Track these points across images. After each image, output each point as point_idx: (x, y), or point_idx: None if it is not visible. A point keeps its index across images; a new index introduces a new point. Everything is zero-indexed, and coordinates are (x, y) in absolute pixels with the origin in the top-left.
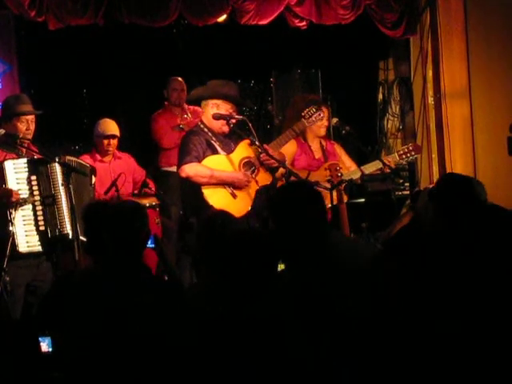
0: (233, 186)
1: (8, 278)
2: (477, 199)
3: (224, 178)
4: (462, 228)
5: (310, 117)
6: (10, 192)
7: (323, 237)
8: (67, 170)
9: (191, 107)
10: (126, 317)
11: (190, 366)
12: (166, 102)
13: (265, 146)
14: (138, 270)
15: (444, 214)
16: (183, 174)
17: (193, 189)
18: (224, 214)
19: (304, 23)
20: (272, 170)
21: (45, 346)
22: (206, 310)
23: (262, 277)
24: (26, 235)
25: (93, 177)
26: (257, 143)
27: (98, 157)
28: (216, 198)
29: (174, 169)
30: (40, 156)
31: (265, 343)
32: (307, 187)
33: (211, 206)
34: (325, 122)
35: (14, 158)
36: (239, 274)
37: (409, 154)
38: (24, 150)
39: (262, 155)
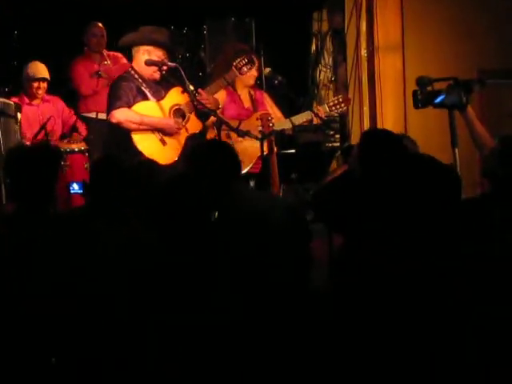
0: (163, 132)
1: None
2: (402, 151)
3: (154, 123)
4: (386, 177)
5: (242, 67)
6: None
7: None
8: None
9: (111, 53)
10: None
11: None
12: (85, 48)
13: (199, 89)
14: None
15: (370, 167)
16: (113, 120)
17: (122, 135)
18: (150, 163)
19: None
20: (202, 118)
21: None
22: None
23: (194, 223)
24: None
25: (18, 114)
26: (190, 88)
27: (27, 100)
28: (146, 144)
29: (92, 115)
30: None
31: (196, 292)
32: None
33: (140, 152)
34: (254, 73)
35: None
36: (170, 222)
37: (338, 106)
38: None
39: (197, 98)
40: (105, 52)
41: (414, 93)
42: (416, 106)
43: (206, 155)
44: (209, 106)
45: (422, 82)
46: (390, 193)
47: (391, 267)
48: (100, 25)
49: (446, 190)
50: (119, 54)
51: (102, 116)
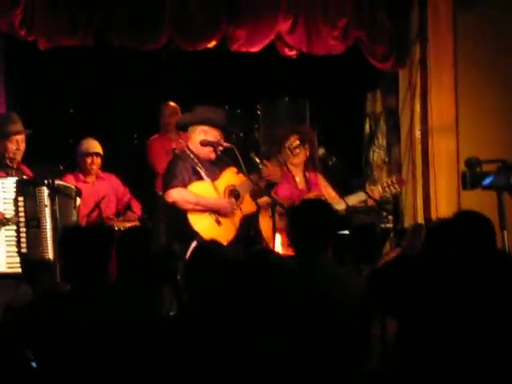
0: (218, 213)
1: None
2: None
3: (210, 204)
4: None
5: (294, 148)
6: None
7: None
8: (54, 192)
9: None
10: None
11: None
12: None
13: (265, 161)
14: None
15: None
16: (169, 199)
17: (178, 214)
18: (215, 244)
19: (294, 52)
20: (255, 198)
21: None
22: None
23: (250, 305)
24: (7, 256)
25: (78, 199)
26: (256, 160)
27: (82, 177)
28: (201, 224)
29: None
30: (29, 177)
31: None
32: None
33: (196, 233)
34: (302, 153)
35: (2, 177)
36: (230, 303)
37: (392, 188)
38: (13, 169)
39: (263, 171)
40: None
41: (463, 174)
42: (464, 187)
43: (308, 215)
44: (274, 178)
45: (470, 163)
46: (455, 278)
47: (452, 351)
48: (171, 104)
49: (506, 275)
50: None
51: None
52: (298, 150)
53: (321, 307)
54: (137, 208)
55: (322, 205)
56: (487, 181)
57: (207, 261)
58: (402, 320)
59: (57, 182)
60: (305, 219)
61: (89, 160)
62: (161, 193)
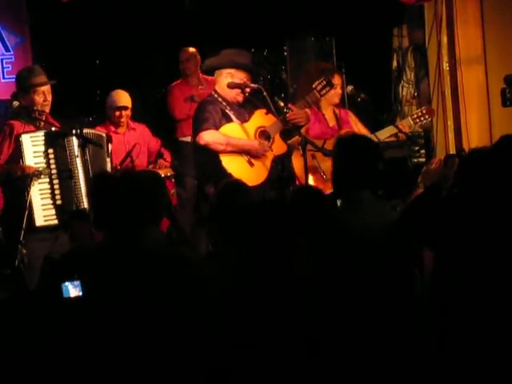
0: (249, 154)
1: (25, 251)
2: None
3: (241, 145)
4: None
5: (322, 89)
6: (21, 167)
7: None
8: (84, 142)
9: (209, 77)
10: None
11: (203, 337)
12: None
13: (290, 105)
14: (156, 239)
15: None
16: (201, 142)
17: (210, 157)
18: (238, 184)
19: None
20: (286, 138)
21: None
22: (223, 279)
23: (280, 245)
24: (42, 209)
25: (109, 145)
26: (280, 105)
27: (112, 128)
28: (234, 165)
29: (187, 139)
30: (58, 128)
31: (285, 313)
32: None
33: (230, 174)
34: (338, 91)
35: (32, 131)
36: (256, 243)
37: (422, 118)
38: (42, 122)
39: (288, 114)
40: (201, 76)
41: (503, 91)
42: (504, 104)
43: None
44: (300, 121)
45: (510, 80)
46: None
47: (488, 288)
48: (188, 49)
49: None
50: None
51: None
52: (325, 91)
53: (361, 243)
54: (167, 155)
55: (363, 140)
56: None
57: (236, 197)
58: (438, 252)
59: (86, 130)
60: (346, 155)
61: (117, 113)
62: (181, 138)
